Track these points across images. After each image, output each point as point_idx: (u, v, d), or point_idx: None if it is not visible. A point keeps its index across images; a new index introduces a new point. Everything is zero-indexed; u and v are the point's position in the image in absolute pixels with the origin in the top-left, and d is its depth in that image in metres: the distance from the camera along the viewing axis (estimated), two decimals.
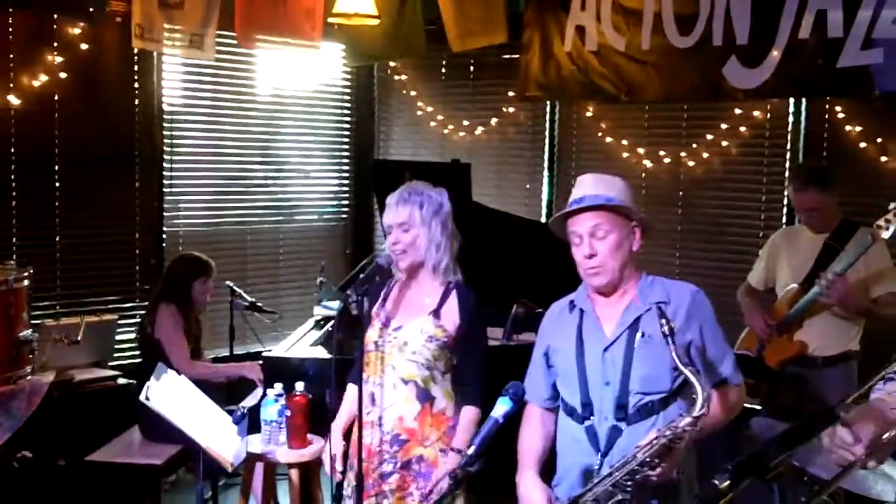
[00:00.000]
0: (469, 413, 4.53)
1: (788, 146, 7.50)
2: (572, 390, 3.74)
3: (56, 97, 7.57)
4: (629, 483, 3.37)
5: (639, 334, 3.64)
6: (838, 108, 7.11)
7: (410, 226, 4.50)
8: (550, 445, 3.93)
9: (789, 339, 5.99)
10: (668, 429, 3.31)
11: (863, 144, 6.98)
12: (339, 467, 4.64)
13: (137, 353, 7.29)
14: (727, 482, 2.62)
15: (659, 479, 3.36)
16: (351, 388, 4.77)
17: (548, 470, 3.88)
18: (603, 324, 3.74)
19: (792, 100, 7.39)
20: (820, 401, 5.74)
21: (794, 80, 6.43)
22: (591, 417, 3.67)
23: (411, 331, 4.53)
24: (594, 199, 3.74)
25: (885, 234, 5.44)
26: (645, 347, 3.61)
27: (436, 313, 4.54)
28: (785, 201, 7.36)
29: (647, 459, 3.33)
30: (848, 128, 7.07)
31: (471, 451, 3.27)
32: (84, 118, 7.70)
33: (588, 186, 3.83)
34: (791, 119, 7.47)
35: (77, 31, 7.58)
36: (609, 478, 3.41)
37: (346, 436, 4.71)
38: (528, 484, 3.79)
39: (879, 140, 6.91)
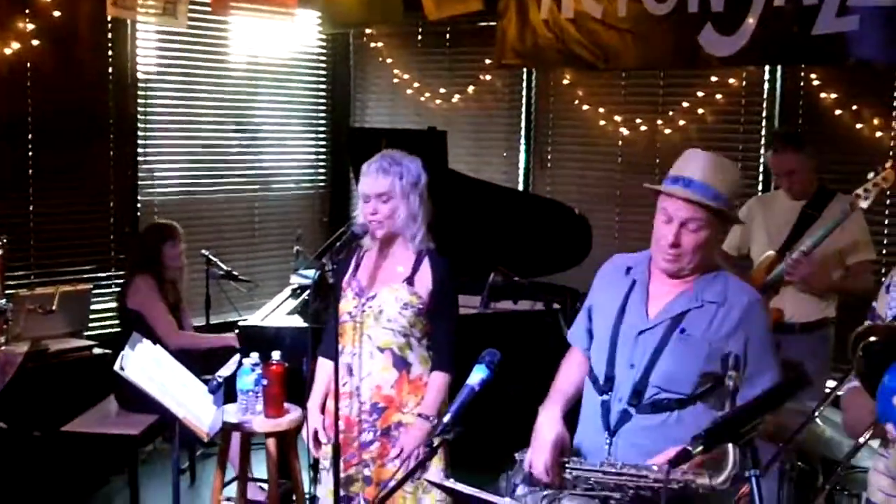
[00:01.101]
0: (438, 378, 4.54)
1: (764, 113, 7.54)
2: (600, 359, 3.64)
3: (28, 65, 7.47)
4: (631, 491, 3.31)
5: (679, 329, 3.49)
6: (814, 76, 7.14)
7: (390, 196, 4.48)
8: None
9: (766, 305, 6.01)
10: (684, 475, 3.18)
11: (838, 111, 7.01)
12: (323, 439, 4.64)
13: (113, 322, 7.28)
14: (700, 448, 2.62)
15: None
16: (322, 363, 4.77)
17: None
18: (650, 303, 3.59)
19: (767, 67, 7.40)
20: (797, 367, 5.76)
21: (769, 47, 6.46)
22: (609, 393, 3.57)
23: (386, 299, 4.53)
24: (703, 192, 3.42)
25: (864, 204, 5.46)
26: (680, 344, 3.46)
27: (409, 280, 4.54)
28: (761, 168, 7.37)
29: (654, 485, 3.24)
30: (823, 95, 7.10)
31: (446, 419, 3.25)
32: (57, 86, 7.62)
33: (701, 170, 3.47)
34: (766, 86, 7.51)
35: None
36: (616, 476, 3.34)
37: (324, 410, 4.71)
38: (548, 419, 3.63)
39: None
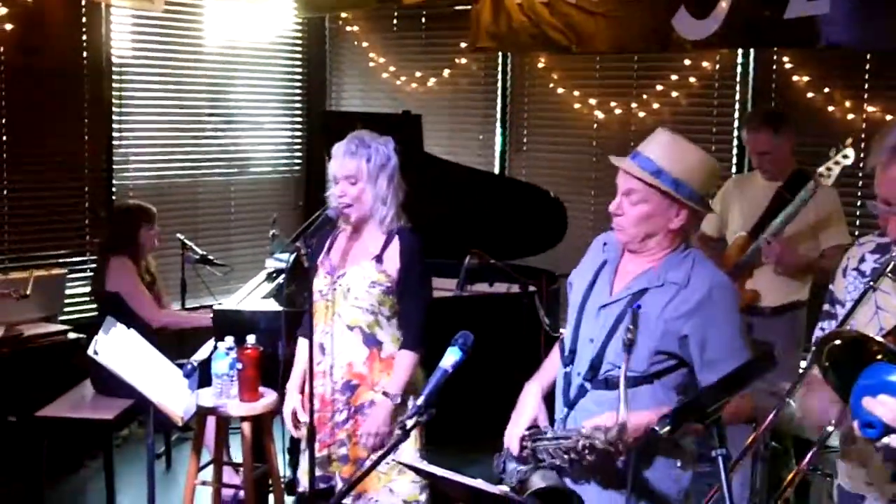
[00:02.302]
0: (405, 357, 4.57)
1: (737, 96, 7.56)
2: (568, 332, 3.65)
3: (2, 49, 7.45)
4: (567, 455, 3.37)
5: (636, 306, 3.45)
6: (786, 59, 7.16)
7: (357, 179, 4.51)
8: None
9: (741, 287, 6.03)
10: (589, 433, 3.28)
11: (810, 94, 7.04)
12: (303, 418, 4.65)
13: (88, 307, 7.27)
14: (667, 428, 2.63)
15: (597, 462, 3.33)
16: (302, 343, 4.78)
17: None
18: (617, 279, 3.58)
19: (740, 50, 7.43)
20: (763, 346, 5.79)
21: (742, 30, 6.50)
22: (571, 366, 3.59)
23: (354, 277, 4.56)
24: (644, 164, 3.44)
25: (828, 182, 5.48)
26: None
27: (378, 258, 4.57)
28: (735, 151, 7.40)
29: (585, 446, 3.29)
30: (795, 78, 7.12)
31: (420, 401, 3.26)
32: (31, 70, 7.59)
33: (654, 147, 3.48)
34: (739, 69, 7.52)
35: None
36: (556, 440, 3.42)
37: (303, 390, 4.72)
38: (529, 394, 3.68)
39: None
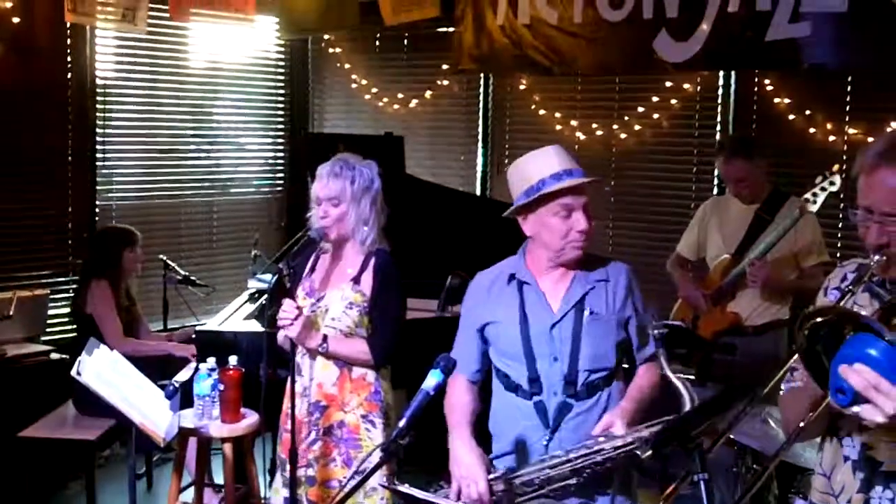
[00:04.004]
0: (361, 353, 4.56)
1: (719, 118, 7.58)
2: (517, 366, 3.71)
3: None
4: (587, 471, 3.43)
5: (587, 312, 3.64)
6: (767, 81, 7.19)
7: (340, 201, 4.53)
8: (479, 410, 3.88)
9: (723, 309, 6.06)
10: (613, 441, 3.39)
11: (791, 116, 7.06)
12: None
13: (71, 327, 7.26)
14: (649, 452, 2.65)
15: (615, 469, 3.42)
16: None
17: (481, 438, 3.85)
18: (548, 299, 3.71)
19: (722, 72, 7.46)
20: (751, 368, 5.82)
21: (723, 53, 6.54)
22: (541, 394, 3.64)
23: (333, 298, 4.58)
24: (582, 175, 3.68)
25: (813, 208, 5.56)
26: (593, 325, 3.62)
27: (356, 279, 4.58)
28: (716, 172, 7.44)
29: (611, 455, 3.38)
30: (777, 100, 7.15)
31: (401, 423, 3.28)
32: (16, 91, 7.58)
33: (568, 160, 3.71)
34: (721, 91, 7.55)
35: (9, 4, 7.45)
36: (568, 463, 3.45)
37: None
38: (463, 447, 3.71)
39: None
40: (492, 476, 3.61)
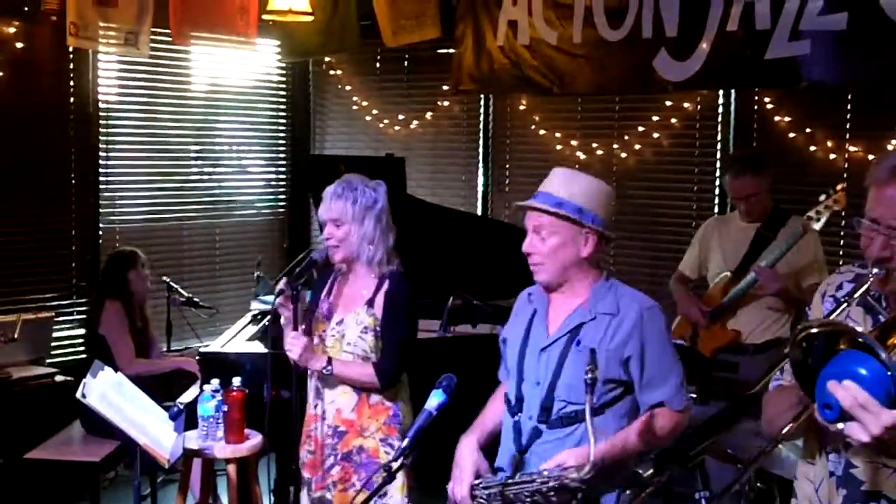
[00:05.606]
0: (366, 374, 4.57)
1: (719, 137, 7.58)
2: (511, 383, 3.76)
3: None
4: (532, 498, 3.44)
5: (575, 342, 3.61)
6: (767, 99, 7.20)
7: (343, 221, 4.55)
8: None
9: (723, 327, 6.06)
10: (558, 473, 3.38)
11: (792, 134, 7.07)
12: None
13: (75, 349, 7.28)
14: (650, 471, 2.66)
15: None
16: None
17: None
18: (550, 322, 3.72)
19: (721, 91, 7.48)
20: (751, 387, 5.81)
21: (722, 71, 6.54)
22: (520, 414, 3.68)
23: (349, 323, 4.60)
24: (545, 199, 3.65)
25: (816, 226, 5.56)
26: (577, 356, 3.56)
27: (370, 303, 4.60)
28: (717, 191, 7.45)
29: (553, 486, 3.37)
30: (777, 118, 7.16)
31: (405, 443, 3.30)
32: (19, 115, 7.63)
33: (552, 183, 3.71)
34: (721, 110, 7.56)
35: (12, 29, 7.51)
36: (529, 484, 3.46)
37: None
38: (465, 447, 3.79)
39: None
40: (476, 481, 3.65)
